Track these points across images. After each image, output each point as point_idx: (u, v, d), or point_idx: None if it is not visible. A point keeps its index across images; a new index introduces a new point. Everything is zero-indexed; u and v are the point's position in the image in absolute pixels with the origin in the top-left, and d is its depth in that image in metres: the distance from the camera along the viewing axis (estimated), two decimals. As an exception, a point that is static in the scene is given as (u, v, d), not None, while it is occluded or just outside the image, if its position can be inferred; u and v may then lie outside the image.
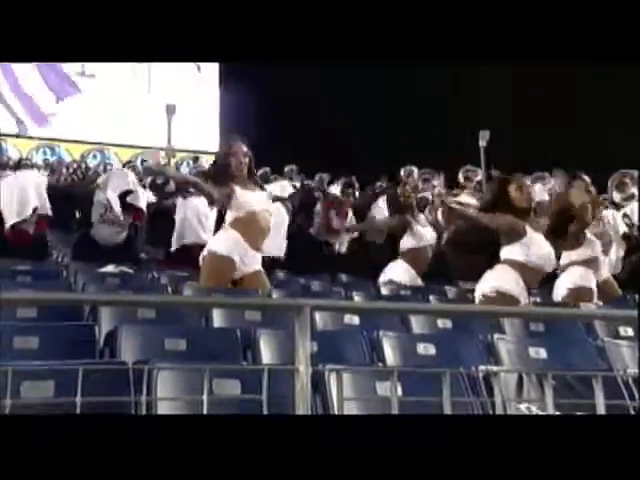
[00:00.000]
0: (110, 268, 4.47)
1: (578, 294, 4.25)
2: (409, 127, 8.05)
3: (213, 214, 5.07)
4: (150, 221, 5.91)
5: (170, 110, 7.32)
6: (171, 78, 11.62)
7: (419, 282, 4.99)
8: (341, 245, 6.27)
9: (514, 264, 3.70)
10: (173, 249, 5.61)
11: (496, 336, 2.94)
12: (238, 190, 3.85)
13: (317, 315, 3.22)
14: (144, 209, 5.68)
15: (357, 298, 3.90)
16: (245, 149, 3.93)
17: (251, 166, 3.95)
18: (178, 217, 5.73)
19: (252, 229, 3.83)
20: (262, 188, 4.08)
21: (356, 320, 3.25)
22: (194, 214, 5.64)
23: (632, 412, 1.97)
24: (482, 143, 6.06)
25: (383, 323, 3.11)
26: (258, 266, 3.87)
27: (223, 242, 3.83)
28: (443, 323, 3.33)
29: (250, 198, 3.86)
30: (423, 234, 5.15)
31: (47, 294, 2.25)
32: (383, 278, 5.02)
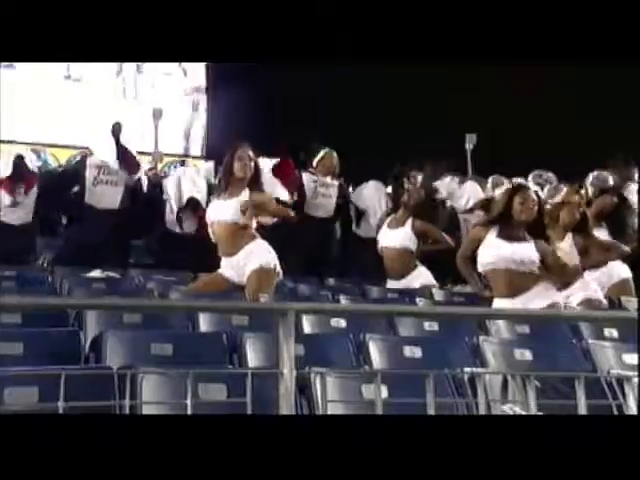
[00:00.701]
0: (96, 273, 4.45)
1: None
2: (392, 127, 8.11)
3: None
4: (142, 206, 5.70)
5: (157, 114, 7.29)
6: (158, 83, 11.60)
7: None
8: None
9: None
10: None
11: (482, 338, 2.95)
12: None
13: (304, 318, 3.23)
14: (137, 157, 5.50)
15: (344, 301, 3.91)
16: (251, 154, 3.89)
17: (257, 173, 3.90)
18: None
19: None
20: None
21: (343, 323, 3.25)
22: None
23: (615, 412, 1.99)
24: (469, 146, 6.10)
25: (370, 326, 3.11)
26: (253, 266, 3.80)
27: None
28: (430, 326, 3.34)
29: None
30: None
31: (30, 299, 2.24)
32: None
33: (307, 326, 3.23)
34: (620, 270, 4.67)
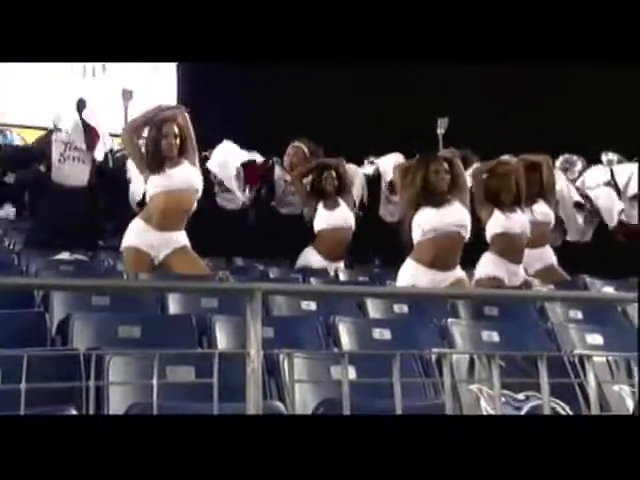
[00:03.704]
0: (64, 256, 4.40)
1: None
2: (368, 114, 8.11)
3: None
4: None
5: (126, 96, 7.17)
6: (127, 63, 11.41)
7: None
8: None
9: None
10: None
11: (450, 320, 2.98)
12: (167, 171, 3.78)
13: (274, 301, 3.23)
14: (101, 130, 5.34)
15: (314, 283, 3.92)
16: (176, 130, 3.79)
17: (186, 144, 3.81)
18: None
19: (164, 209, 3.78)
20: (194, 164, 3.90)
21: (313, 306, 3.26)
22: None
23: (578, 390, 2.04)
24: (440, 130, 6.11)
25: (340, 309, 3.13)
26: (178, 244, 3.79)
27: (127, 234, 3.82)
28: (399, 308, 3.36)
29: (168, 179, 3.78)
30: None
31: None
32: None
33: (277, 309, 3.23)
34: (550, 255, 4.62)
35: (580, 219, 5.54)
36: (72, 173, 5.24)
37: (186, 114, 3.91)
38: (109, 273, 4.05)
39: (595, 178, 5.80)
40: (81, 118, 5.27)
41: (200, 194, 3.88)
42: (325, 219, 4.97)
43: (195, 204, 3.85)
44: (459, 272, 3.74)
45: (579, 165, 5.99)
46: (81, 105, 5.32)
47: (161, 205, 3.78)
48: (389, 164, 5.57)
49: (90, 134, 5.27)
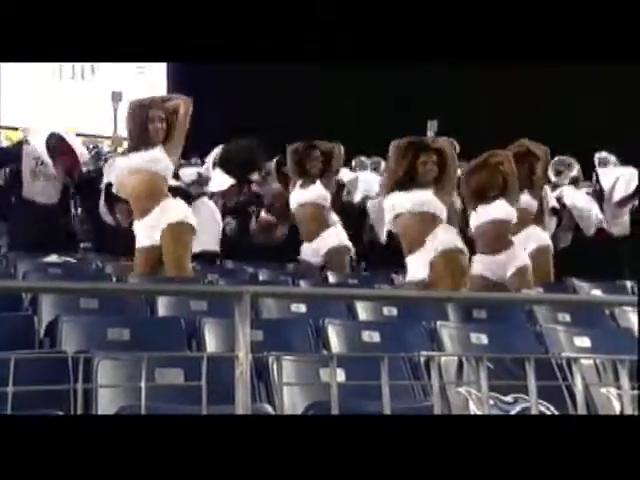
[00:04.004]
0: (52, 258, 4.37)
1: None
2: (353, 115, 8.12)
3: None
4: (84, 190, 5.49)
5: (116, 97, 7.12)
6: (116, 65, 11.37)
7: None
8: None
9: None
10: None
11: (439, 323, 2.99)
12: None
13: (263, 304, 3.23)
14: (77, 151, 5.19)
15: (303, 286, 3.92)
16: (162, 114, 3.75)
17: (170, 132, 3.76)
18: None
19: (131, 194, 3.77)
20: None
21: (303, 308, 3.26)
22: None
23: (565, 393, 2.05)
24: (430, 133, 6.12)
25: (329, 311, 3.13)
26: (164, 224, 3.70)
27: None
28: (389, 311, 3.37)
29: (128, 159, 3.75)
30: None
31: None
32: None
33: (266, 312, 3.23)
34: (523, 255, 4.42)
35: (553, 224, 5.50)
36: (44, 191, 5.14)
37: (189, 106, 3.84)
38: (98, 275, 4.04)
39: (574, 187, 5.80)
40: (53, 137, 5.16)
41: (165, 180, 3.79)
42: (296, 198, 4.94)
43: (161, 187, 3.75)
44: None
45: (574, 171, 5.95)
46: (51, 140, 5.16)
47: (128, 190, 3.75)
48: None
49: (64, 154, 5.13)
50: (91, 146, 7.93)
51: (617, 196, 5.72)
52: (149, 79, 11.72)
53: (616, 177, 5.74)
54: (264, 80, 7.59)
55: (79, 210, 5.51)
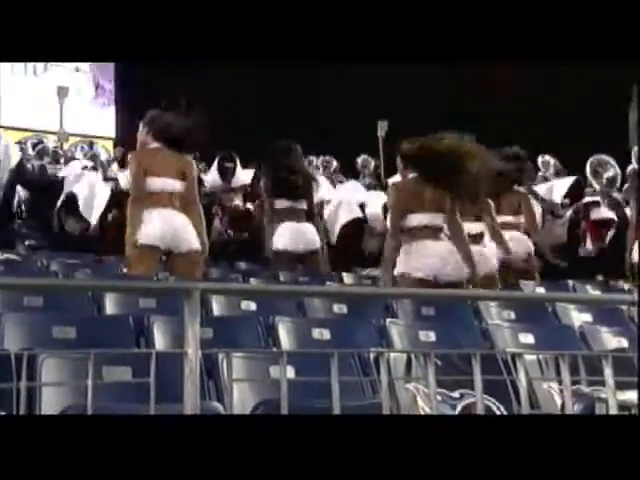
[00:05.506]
0: (-5, 255, 4.26)
1: None
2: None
3: None
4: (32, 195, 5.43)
5: (62, 93, 6.96)
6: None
7: None
8: None
9: None
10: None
11: (389, 320, 3.03)
12: None
13: (214, 302, 3.21)
14: None
15: (254, 283, 3.91)
16: None
17: None
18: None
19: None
20: None
21: (253, 306, 3.26)
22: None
23: (510, 388, 2.11)
24: (380, 133, 6.19)
25: (280, 309, 3.14)
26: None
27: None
28: (339, 308, 3.39)
29: None
30: None
31: None
32: None
33: (217, 309, 3.22)
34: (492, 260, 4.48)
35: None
36: None
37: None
38: (42, 273, 3.95)
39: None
40: None
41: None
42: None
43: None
44: None
45: (551, 169, 6.02)
46: None
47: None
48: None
49: None
50: (36, 141, 7.76)
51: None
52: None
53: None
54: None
55: (22, 207, 5.40)
